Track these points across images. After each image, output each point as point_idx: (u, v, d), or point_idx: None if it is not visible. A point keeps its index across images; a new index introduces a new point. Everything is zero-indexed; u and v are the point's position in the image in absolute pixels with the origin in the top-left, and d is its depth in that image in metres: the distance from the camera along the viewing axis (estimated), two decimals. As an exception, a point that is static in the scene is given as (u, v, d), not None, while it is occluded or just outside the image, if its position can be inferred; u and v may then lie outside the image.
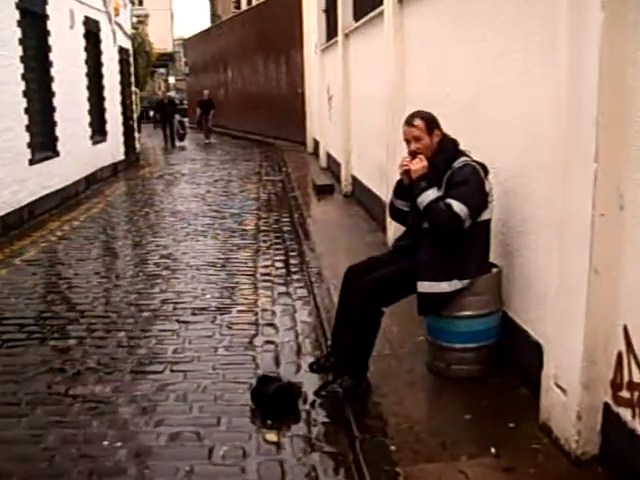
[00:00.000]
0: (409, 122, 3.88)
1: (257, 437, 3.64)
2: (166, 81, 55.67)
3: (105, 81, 14.63)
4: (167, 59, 49.66)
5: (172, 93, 54.91)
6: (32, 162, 9.90)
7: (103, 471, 3.37)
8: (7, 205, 8.91)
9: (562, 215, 2.98)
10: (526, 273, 3.80)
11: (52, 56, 11.06)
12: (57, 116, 11.13)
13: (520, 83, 3.76)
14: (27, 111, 9.74)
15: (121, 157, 16.06)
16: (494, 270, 4.00)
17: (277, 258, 7.56)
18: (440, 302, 3.80)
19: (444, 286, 3.74)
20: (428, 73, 5.81)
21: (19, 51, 9.53)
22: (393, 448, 3.26)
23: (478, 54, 4.45)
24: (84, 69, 13.05)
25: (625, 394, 2.78)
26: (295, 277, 6.75)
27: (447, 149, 3.85)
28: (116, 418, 3.90)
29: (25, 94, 9.68)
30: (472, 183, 3.71)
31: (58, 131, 11.17)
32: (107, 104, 14.77)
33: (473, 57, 4.57)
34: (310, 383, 4.12)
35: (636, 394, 2.72)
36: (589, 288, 2.80)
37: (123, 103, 16.33)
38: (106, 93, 14.70)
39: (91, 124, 13.34)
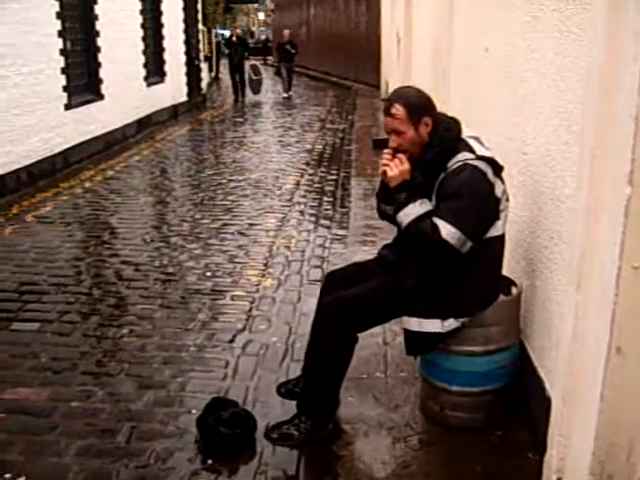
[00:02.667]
0: (386, 110, 2.85)
1: (186, 486, 2.93)
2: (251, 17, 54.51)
3: (164, 18, 13.90)
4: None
5: (260, 29, 54.04)
6: (68, 107, 9.35)
7: None
8: (35, 153, 8.42)
9: (581, 253, 2.01)
10: (547, 304, 2.83)
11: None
12: (101, 57, 10.52)
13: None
14: (63, 52, 9.14)
15: (183, 99, 15.43)
16: (513, 291, 3.05)
17: (302, 228, 6.74)
18: (432, 341, 2.90)
19: (436, 325, 2.82)
20: (472, 24, 4.72)
21: (53, -15, 8.89)
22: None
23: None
24: (138, 6, 12.34)
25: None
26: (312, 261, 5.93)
27: (442, 141, 2.80)
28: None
29: (60, 34, 9.07)
30: (470, 194, 2.68)
31: (102, 73, 10.57)
32: (167, 43, 14.08)
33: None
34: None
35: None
36: (607, 369, 1.85)
37: (187, 42, 15.59)
38: (165, 31, 14.00)
39: (145, 65, 12.70)
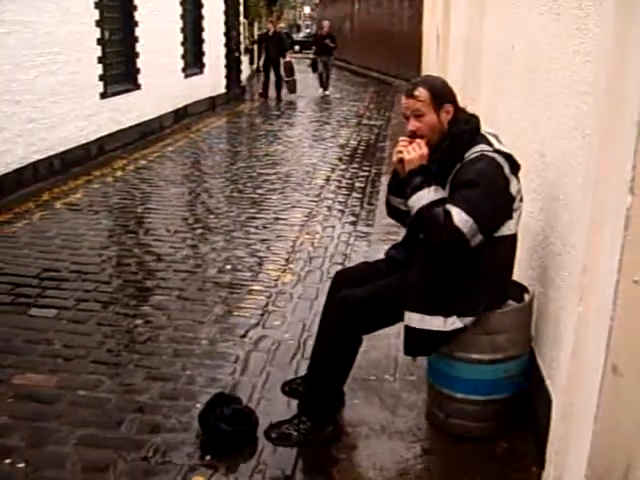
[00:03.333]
0: (409, 92, 2.78)
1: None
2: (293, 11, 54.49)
3: (205, 10, 13.94)
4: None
5: (305, 23, 54.03)
6: (104, 95, 9.43)
7: None
8: (69, 141, 8.51)
9: (584, 264, 1.90)
10: (558, 314, 2.71)
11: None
12: (139, 47, 10.59)
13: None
14: (100, 42, 9.23)
15: (221, 90, 15.47)
16: (525, 297, 2.95)
17: (327, 224, 6.67)
18: (433, 342, 2.81)
19: (438, 322, 2.73)
20: (501, 21, 4.59)
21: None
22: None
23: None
24: (178, -3, 12.42)
25: None
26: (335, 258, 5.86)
27: (460, 132, 2.73)
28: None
29: (98, 23, 9.15)
30: (486, 184, 2.60)
31: (140, 63, 10.64)
32: (207, 35, 14.13)
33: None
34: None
35: None
36: (602, 388, 1.75)
37: (227, 34, 15.62)
38: (205, 23, 14.04)
39: (184, 56, 12.75)
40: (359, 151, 10.57)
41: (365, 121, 13.83)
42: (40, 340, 4.12)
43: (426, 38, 16.41)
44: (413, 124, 2.77)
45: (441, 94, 2.77)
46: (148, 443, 3.12)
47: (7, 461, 2.99)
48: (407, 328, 2.80)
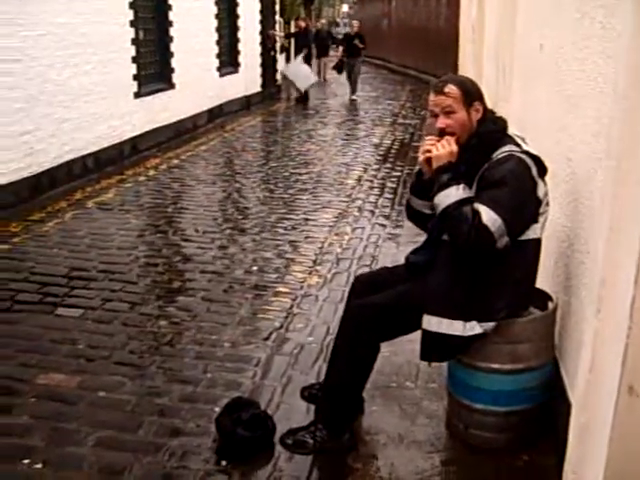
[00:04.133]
0: (438, 88, 2.73)
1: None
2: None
3: (240, 10, 13.98)
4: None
5: (343, 21, 53.81)
6: (138, 95, 9.50)
7: None
8: (103, 140, 8.60)
9: (602, 275, 1.82)
10: (581, 325, 2.61)
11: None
12: (174, 47, 10.65)
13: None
14: (134, 41, 9.30)
15: (257, 89, 15.48)
16: (549, 306, 2.85)
17: (357, 225, 6.61)
18: (451, 347, 2.74)
19: (457, 327, 2.66)
20: (532, 20, 4.47)
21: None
22: None
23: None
24: (213, -4, 12.46)
25: None
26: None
27: (488, 132, 2.68)
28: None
29: (132, 23, 9.23)
30: (514, 185, 2.55)
31: (174, 62, 10.70)
32: (242, 34, 14.16)
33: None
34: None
35: None
36: (617, 409, 1.66)
37: (263, 33, 15.63)
38: (241, 22, 14.07)
39: (219, 55, 12.79)
40: (392, 150, 10.47)
41: (400, 120, 13.71)
42: (65, 340, 4.15)
43: (462, 37, 16.18)
44: (443, 121, 2.71)
45: (471, 92, 2.73)
46: (165, 447, 3.11)
47: (26, 461, 3.01)
48: (424, 332, 2.74)
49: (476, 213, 2.52)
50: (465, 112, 2.71)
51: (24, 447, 3.10)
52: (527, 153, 2.62)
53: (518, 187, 2.57)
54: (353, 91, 16.63)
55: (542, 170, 2.64)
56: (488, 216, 2.51)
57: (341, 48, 17.32)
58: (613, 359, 1.67)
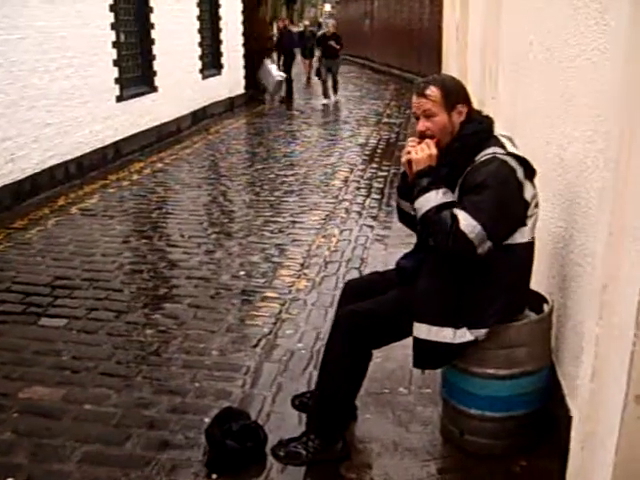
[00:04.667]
0: (420, 90, 2.66)
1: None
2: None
3: (222, 11, 13.88)
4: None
5: (325, 21, 53.84)
6: (120, 99, 9.39)
7: None
8: (85, 145, 8.48)
9: (604, 280, 1.75)
10: (578, 328, 2.55)
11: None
12: (156, 49, 10.53)
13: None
14: (115, 45, 9.18)
15: (240, 91, 15.39)
16: (544, 308, 2.79)
17: (345, 227, 6.53)
18: (442, 354, 2.68)
19: (447, 334, 2.59)
20: (519, 14, 4.42)
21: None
22: None
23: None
24: (195, -2, 12.35)
25: None
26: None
27: (471, 134, 2.60)
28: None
29: (113, 26, 9.11)
30: (496, 188, 2.47)
31: (156, 65, 10.59)
32: (224, 35, 14.06)
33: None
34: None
35: None
36: (623, 420, 1.60)
37: (245, 34, 15.53)
38: (223, 24, 13.97)
39: (201, 57, 12.69)
40: (378, 150, 10.42)
41: (385, 119, 13.67)
42: (49, 351, 4.05)
43: (446, 34, 16.18)
44: (423, 124, 2.65)
45: (454, 94, 2.65)
46: (154, 461, 3.02)
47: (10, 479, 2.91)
48: (415, 339, 2.68)
49: (455, 219, 2.46)
50: (446, 115, 2.64)
51: (8, 464, 3.00)
52: (512, 155, 2.53)
53: (500, 191, 2.49)
54: (334, 92, 16.13)
55: (530, 171, 2.57)
56: (466, 222, 2.44)
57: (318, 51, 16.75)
58: (618, 367, 1.61)
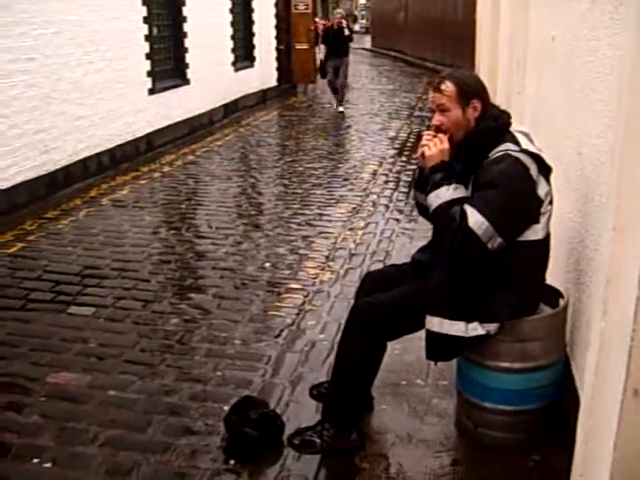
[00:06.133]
0: (435, 85, 2.69)
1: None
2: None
3: (255, 3, 13.94)
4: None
5: (361, 13, 53.67)
6: (153, 91, 9.51)
7: None
8: (118, 137, 8.62)
9: (608, 275, 1.76)
10: (591, 323, 2.55)
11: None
12: (188, 42, 10.63)
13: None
14: (148, 38, 9.31)
15: (272, 84, 15.45)
16: (560, 302, 2.80)
17: (371, 220, 6.55)
18: (454, 347, 2.70)
19: (459, 327, 2.62)
20: (545, 10, 4.39)
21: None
22: None
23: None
24: (227, -9, 12.43)
25: None
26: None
27: (486, 130, 2.61)
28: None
29: (146, 20, 9.23)
30: (506, 186, 2.47)
31: (189, 58, 10.68)
32: (257, 28, 14.13)
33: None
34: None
35: None
36: (622, 413, 1.61)
37: (278, 27, 15.59)
38: (255, 16, 14.03)
39: (234, 50, 12.77)
40: (409, 144, 10.38)
41: (417, 112, 13.61)
42: (76, 338, 4.16)
43: (479, 28, 16.02)
44: (437, 119, 2.69)
45: (469, 89, 2.65)
46: (173, 446, 3.11)
47: (35, 460, 3.02)
48: (428, 332, 2.71)
49: (464, 215, 2.48)
50: (460, 110, 2.65)
51: (34, 446, 3.12)
52: (526, 152, 2.52)
53: (510, 188, 2.49)
54: (341, 100, 13.47)
55: (544, 168, 2.56)
56: (474, 219, 2.46)
57: (322, 47, 13.93)
58: (618, 362, 1.62)
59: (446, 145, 2.63)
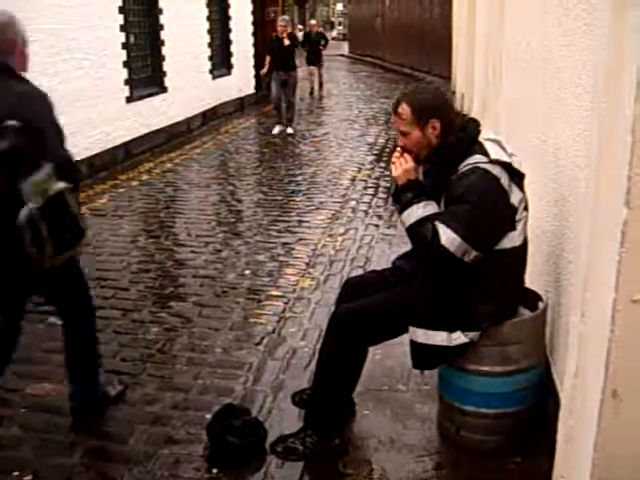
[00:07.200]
0: (394, 107, 2.70)
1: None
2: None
3: (232, 11, 13.95)
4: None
5: (339, 20, 53.86)
6: (130, 100, 9.48)
7: None
8: (96, 145, 8.57)
9: (585, 278, 1.79)
10: (569, 324, 2.58)
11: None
12: (165, 50, 10.62)
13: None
14: (125, 46, 9.28)
15: (250, 91, 15.46)
16: (539, 305, 2.83)
17: (351, 226, 6.57)
18: (439, 356, 2.73)
19: (442, 337, 2.64)
20: (520, 15, 4.45)
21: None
22: None
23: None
24: (204, -1, 12.43)
25: None
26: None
27: (450, 145, 2.61)
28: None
29: (123, 28, 9.20)
30: (476, 200, 2.48)
31: (166, 66, 10.67)
32: (234, 36, 14.13)
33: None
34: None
35: None
36: (601, 413, 1.63)
37: (255, 34, 15.60)
38: (233, 24, 14.04)
39: (211, 57, 12.77)
40: (387, 149, 10.43)
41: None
42: (58, 349, 4.09)
43: (456, 34, 16.18)
44: (400, 140, 2.72)
45: (426, 109, 2.63)
46: (156, 456, 3.09)
47: (15, 473, 2.98)
48: (412, 343, 2.73)
49: (435, 233, 2.50)
50: (419, 131, 2.65)
51: (15, 459, 3.08)
52: (495, 162, 2.52)
53: (480, 201, 2.50)
54: (290, 121, 11.81)
55: (516, 176, 2.57)
56: (446, 236, 2.48)
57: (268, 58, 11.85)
58: (597, 363, 1.65)
59: (410, 165, 2.65)
